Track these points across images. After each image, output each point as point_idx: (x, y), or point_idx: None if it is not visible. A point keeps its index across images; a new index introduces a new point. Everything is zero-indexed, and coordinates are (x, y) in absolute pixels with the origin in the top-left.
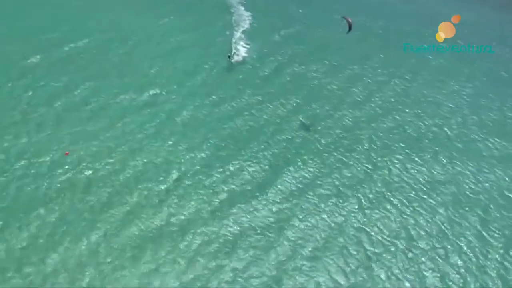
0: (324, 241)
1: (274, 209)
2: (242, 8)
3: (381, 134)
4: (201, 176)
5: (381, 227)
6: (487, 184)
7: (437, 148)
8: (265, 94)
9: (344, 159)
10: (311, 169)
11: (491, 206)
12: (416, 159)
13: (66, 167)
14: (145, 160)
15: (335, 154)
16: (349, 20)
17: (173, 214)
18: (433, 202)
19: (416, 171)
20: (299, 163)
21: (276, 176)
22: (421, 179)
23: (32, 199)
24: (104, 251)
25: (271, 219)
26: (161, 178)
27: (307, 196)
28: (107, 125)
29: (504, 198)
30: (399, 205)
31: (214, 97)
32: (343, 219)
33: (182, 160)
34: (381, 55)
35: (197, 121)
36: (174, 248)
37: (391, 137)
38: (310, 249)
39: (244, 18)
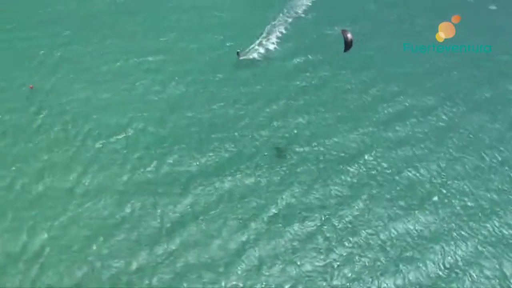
0: (200, 256)
1: (180, 208)
2: None
3: (378, 166)
4: (138, 151)
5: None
6: (483, 272)
7: (441, 199)
8: (264, 92)
9: (308, 180)
10: (262, 178)
11: None
12: (401, 203)
13: (32, 104)
14: (103, 119)
15: (302, 171)
16: (348, 35)
17: (87, 176)
18: (387, 265)
19: (391, 223)
20: (252, 169)
21: (215, 174)
22: (389, 234)
23: None
24: None
25: (170, 216)
26: (103, 140)
27: (229, 205)
28: (94, 78)
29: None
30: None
31: (212, 79)
32: (249, 246)
33: (136, 131)
34: (439, 78)
35: (181, 97)
36: (62, 210)
37: (388, 172)
38: (182, 261)
39: (302, 4)
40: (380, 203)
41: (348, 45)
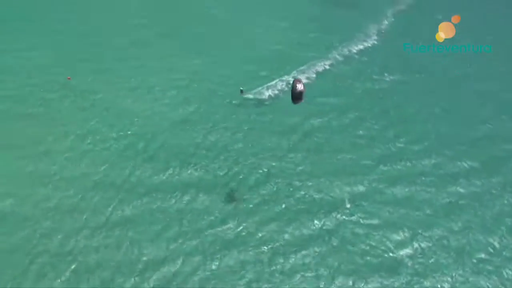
0: (126, 255)
1: (130, 209)
2: (373, 31)
3: (358, 218)
4: (125, 153)
5: None
6: None
7: (414, 269)
8: (273, 123)
9: (273, 215)
10: (225, 202)
11: None
12: (368, 258)
13: (66, 96)
14: (114, 120)
15: (272, 205)
16: (297, 86)
17: (70, 164)
18: None
19: (339, 278)
20: (222, 191)
21: (183, 188)
22: None
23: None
24: None
25: (118, 214)
26: (102, 137)
27: (179, 219)
28: (124, 85)
29: None
30: None
31: (229, 102)
32: (171, 259)
33: (135, 134)
34: (487, 143)
35: (193, 113)
36: (37, 187)
37: (367, 225)
38: (105, 255)
39: (362, 45)
40: (338, 254)
41: (295, 96)
